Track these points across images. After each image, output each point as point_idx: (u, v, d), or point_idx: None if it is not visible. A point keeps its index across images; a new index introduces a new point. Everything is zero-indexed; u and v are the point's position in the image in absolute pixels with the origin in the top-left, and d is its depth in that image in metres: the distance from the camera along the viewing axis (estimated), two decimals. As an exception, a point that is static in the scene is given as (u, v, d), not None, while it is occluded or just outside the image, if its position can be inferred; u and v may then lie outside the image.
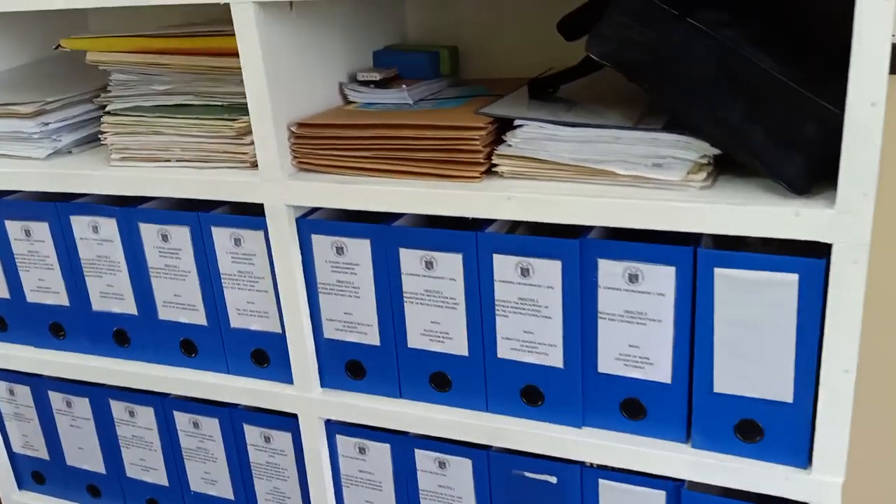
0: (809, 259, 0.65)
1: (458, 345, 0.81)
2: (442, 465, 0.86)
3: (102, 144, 0.93)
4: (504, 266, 0.76)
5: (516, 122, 0.74)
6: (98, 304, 0.98)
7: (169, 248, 0.91)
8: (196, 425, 0.99)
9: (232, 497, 1.01)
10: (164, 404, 1.00)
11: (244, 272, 0.88)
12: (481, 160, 0.75)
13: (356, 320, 0.85)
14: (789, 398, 0.69)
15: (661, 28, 0.63)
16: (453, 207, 0.74)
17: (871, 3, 0.56)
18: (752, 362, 0.69)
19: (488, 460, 0.83)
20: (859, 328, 0.64)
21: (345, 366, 0.87)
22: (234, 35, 0.82)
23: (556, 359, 0.76)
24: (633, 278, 0.71)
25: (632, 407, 0.75)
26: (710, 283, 0.68)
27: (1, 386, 1.10)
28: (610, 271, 0.71)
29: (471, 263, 0.77)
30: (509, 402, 0.81)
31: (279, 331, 0.89)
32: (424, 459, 0.87)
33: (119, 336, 0.98)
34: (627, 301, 0.72)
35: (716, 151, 0.69)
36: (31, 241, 0.98)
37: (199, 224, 0.88)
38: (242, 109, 0.84)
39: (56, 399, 1.07)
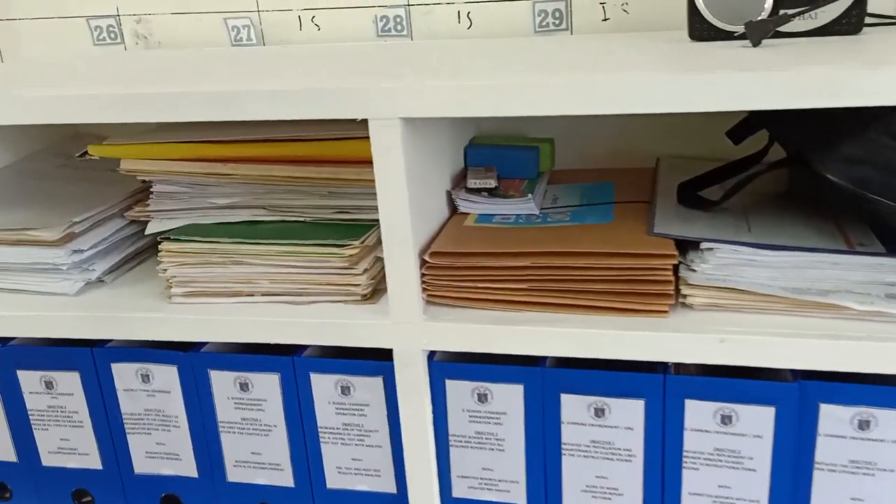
0: None
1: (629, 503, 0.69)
2: None
3: (134, 269, 0.76)
4: (697, 413, 0.64)
5: (703, 245, 0.64)
6: (142, 466, 0.79)
7: (250, 398, 0.74)
8: None
9: None
10: (228, 580, 0.82)
11: (352, 424, 0.73)
12: (670, 291, 0.64)
13: (497, 477, 0.71)
14: None
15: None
16: (644, 350, 0.63)
17: None
18: None
19: None
20: None
21: (477, 528, 0.73)
22: (332, 141, 0.69)
23: (755, 515, 0.66)
24: (863, 424, 0.61)
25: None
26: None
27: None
28: (837, 416, 0.62)
29: (654, 411, 0.65)
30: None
31: (393, 490, 0.74)
32: None
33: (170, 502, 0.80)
34: (855, 450, 0.62)
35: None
36: (54, 395, 0.78)
37: (294, 370, 0.72)
38: (343, 229, 0.70)
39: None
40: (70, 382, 0.77)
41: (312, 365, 0.72)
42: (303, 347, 0.74)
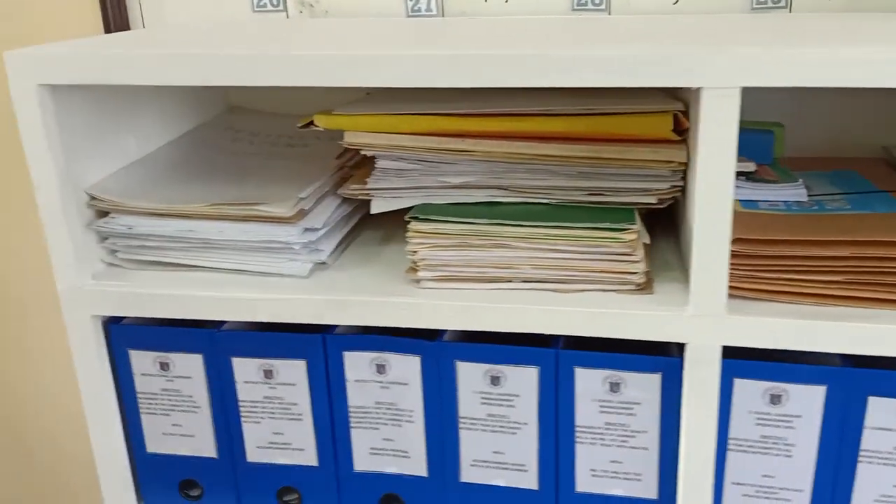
0: None
1: (929, 513, 0.63)
2: None
3: (347, 250, 0.71)
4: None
5: None
6: (364, 463, 0.73)
7: (500, 393, 0.68)
8: None
9: None
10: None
11: (616, 424, 0.67)
12: None
13: (779, 484, 0.66)
14: None
15: None
16: None
17: None
18: None
19: None
20: None
21: (740, 537, 0.68)
22: (596, 116, 0.64)
23: None
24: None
25: None
26: None
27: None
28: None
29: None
30: None
31: (654, 497, 0.68)
32: None
33: (392, 502, 0.74)
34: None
35: None
36: (272, 385, 0.72)
37: (557, 364, 0.66)
38: (597, 213, 0.65)
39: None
40: (293, 372, 0.71)
41: (578, 359, 0.66)
42: (556, 338, 0.68)
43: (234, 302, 0.68)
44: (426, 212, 0.68)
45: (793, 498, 0.66)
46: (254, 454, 0.75)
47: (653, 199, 0.68)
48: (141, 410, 0.76)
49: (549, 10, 0.92)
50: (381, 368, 0.70)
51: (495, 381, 0.68)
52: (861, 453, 0.63)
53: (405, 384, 0.70)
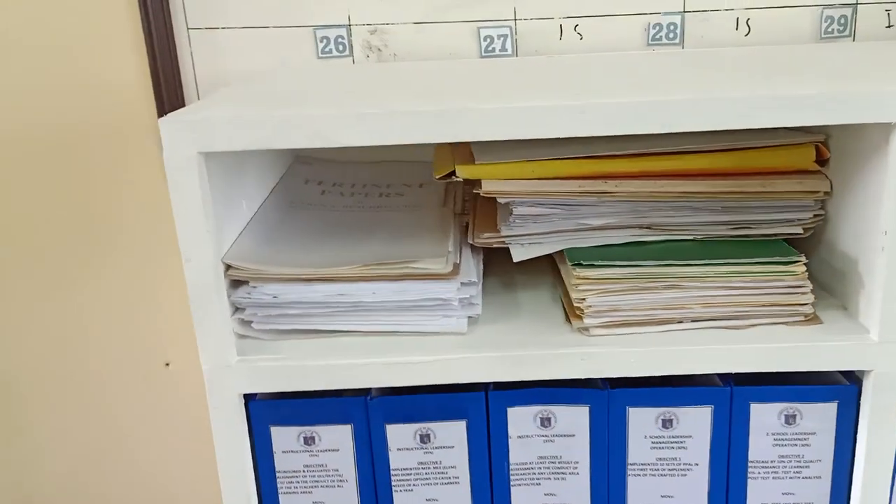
0: None
1: None
2: None
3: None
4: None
5: None
6: (524, 524, 0.71)
7: (672, 436, 0.67)
8: None
9: None
10: None
11: (790, 456, 0.67)
12: None
13: (949, 499, 0.67)
14: None
15: None
16: None
17: None
18: None
19: None
20: None
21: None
22: (741, 151, 0.65)
23: None
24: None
25: None
26: None
27: None
28: None
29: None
30: None
31: (825, 524, 0.69)
32: None
33: (550, 560, 0.71)
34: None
35: None
36: (429, 450, 0.69)
37: (731, 401, 0.66)
38: (744, 246, 0.66)
39: None
40: (453, 433, 0.68)
41: (753, 394, 0.66)
42: (724, 377, 0.68)
43: (395, 366, 0.65)
44: (580, 257, 0.67)
45: (963, 511, 0.67)
46: (404, 526, 0.71)
47: (798, 229, 0.69)
48: (280, 490, 0.70)
49: (625, 46, 0.93)
50: (545, 422, 0.68)
51: (667, 424, 0.67)
52: None
53: (572, 436, 0.68)
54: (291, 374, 0.65)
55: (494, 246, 0.72)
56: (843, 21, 0.91)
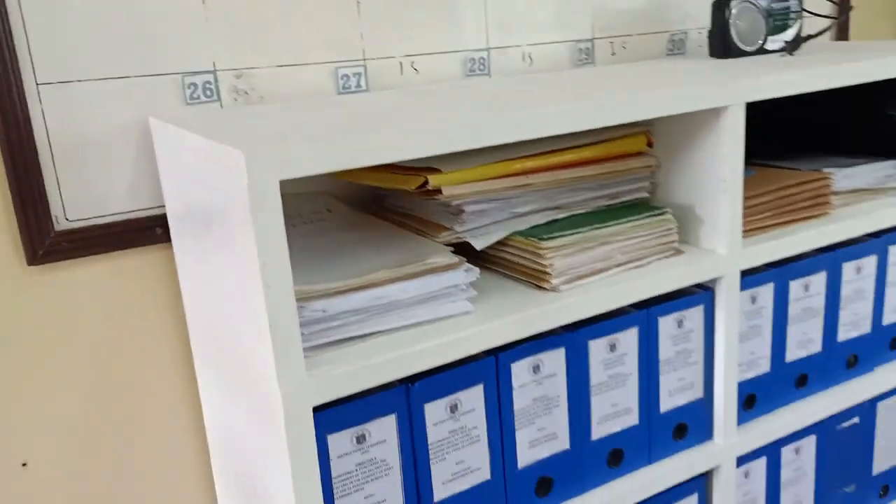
0: None
1: (822, 343, 1.06)
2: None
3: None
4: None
5: (829, 170, 1.06)
6: (526, 458, 0.86)
7: (616, 356, 0.89)
8: (612, 541, 0.95)
9: None
10: (581, 539, 0.93)
11: (682, 352, 0.94)
12: (833, 199, 1.04)
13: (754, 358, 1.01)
14: None
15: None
16: None
17: None
18: None
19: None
20: None
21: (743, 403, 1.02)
22: (615, 140, 0.91)
23: None
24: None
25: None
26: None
27: None
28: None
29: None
30: None
31: (703, 396, 0.97)
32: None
33: (544, 485, 0.88)
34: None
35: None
36: (457, 417, 0.80)
37: (648, 321, 0.91)
38: (645, 205, 0.93)
39: None
40: (473, 398, 0.80)
41: (659, 311, 0.91)
42: (638, 305, 0.92)
43: (428, 351, 0.75)
44: (541, 233, 0.85)
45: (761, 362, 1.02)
46: (440, 492, 0.81)
47: (645, 193, 0.97)
48: (336, 495, 0.75)
49: (448, 77, 1.13)
50: (536, 369, 0.84)
51: (613, 348, 0.89)
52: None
53: (554, 375, 0.86)
54: (353, 381, 0.71)
55: (454, 242, 0.86)
56: (588, 51, 1.24)
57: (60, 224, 0.91)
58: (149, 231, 0.96)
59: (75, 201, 0.92)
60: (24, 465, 0.97)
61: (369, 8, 1.05)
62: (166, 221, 0.96)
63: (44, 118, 0.89)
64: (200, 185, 0.77)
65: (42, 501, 0.98)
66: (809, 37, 1.18)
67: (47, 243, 0.90)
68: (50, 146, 0.90)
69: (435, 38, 1.11)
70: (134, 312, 0.98)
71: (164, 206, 0.96)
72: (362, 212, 0.99)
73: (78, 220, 0.92)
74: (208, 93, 0.98)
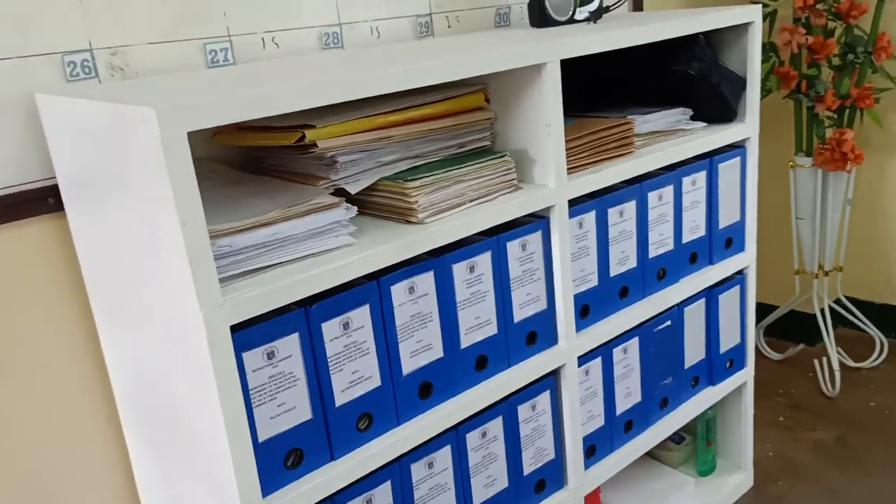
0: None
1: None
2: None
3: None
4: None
5: (632, 117, 1.29)
6: (409, 366, 1.02)
7: (474, 276, 1.07)
8: (484, 434, 1.13)
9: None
10: (458, 434, 1.10)
11: (528, 271, 1.13)
12: (636, 140, 1.27)
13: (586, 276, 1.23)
14: (746, 215, 1.48)
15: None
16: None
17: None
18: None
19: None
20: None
21: (578, 311, 1.23)
22: (458, 97, 1.09)
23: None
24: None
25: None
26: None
27: None
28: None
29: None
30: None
31: (547, 307, 1.17)
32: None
33: (425, 389, 1.04)
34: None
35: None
36: (349, 334, 0.95)
37: (498, 245, 1.09)
38: (488, 151, 1.12)
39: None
40: (362, 316, 0.95)
41: (507, 237, 1.10)
42: (490, 232, 1.10)
43: (323, 275, 0.89)
44: (407, 175, 1.01)
45: (592, 279, 1.24)
46: (339, 398, 0.95)
47: (487, 142, 1.15)
48: (253, 404, 0.87)
49: (307, 50, 1.26)
50: (411, 290, 1.00)
51: (472, 269, 1.07)
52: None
53: (426, 294, 1.02)
54: (261, 302, 0.84)
55: (330, 190, 1.00)
56: (427, 24, 1.40)
57: (-48, 199, 0.96)
58: (40, 201, 1.03)
59: (-35, 176, 0.97)
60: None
61: (231, -11, 1.16)
62: (58, 191, 1.03)
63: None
64: (101, 149, 0.86)
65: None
66: (608, 8, 1.41)
67: (-60, 218, 0.95)
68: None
69: (293, 14, 1.23)
70: (33, 275, 1.04)
71: (55, 178, 1.03)
72: (244, 172, 1.10)
73: (-31, 194, 0.97)
74: (87, 70, 1.05)
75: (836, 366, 2.00)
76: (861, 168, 2.13)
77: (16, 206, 1.01)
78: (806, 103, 1.89)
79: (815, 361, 2.12)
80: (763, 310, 2.27)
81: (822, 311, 2.06)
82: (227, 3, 1.16)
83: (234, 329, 0.84)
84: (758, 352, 2.22)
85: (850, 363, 2.11)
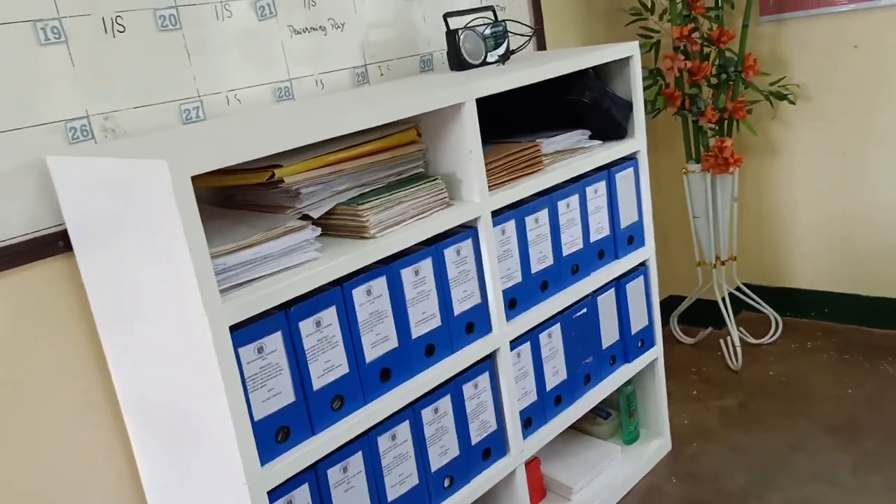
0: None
1: (552, 257, 1.56)
2: (554, 332, 1.58)
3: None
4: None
5: (539, 141, 1.56)
6: (371, 354, 1.25)
7: (419, 278, 1.31)
8: (436, 410, 1.37)
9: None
10: (414, 410, 1.33)
11: (463, 272, 1.38)
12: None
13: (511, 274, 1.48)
14: (643, 216, 1.76)
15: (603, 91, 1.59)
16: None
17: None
18: (633, 206, 1.74)
19: (571, 313, 1.61)
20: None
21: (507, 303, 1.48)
22: (394, 134, 1.34)
23: (585, 241, 1.63)
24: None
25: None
26: (618, 180, 1.69)
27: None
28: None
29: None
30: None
31: (481, 301, 1.42)
32: (548, 334, 1.57)
33: (385, 374, 1.27)
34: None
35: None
36: (321, 330, 1.17)
37: (437, 252, 1.33)
38: (423, 176, 1.37)
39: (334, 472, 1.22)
40: (330, 315, 1.18)
41: (444, 245, 1.34)
42: (430, 241, 1.34)
43: (299, 282, 1.12)
44: (360, 200, 1.25)
45: (517, 272, 1.49)
46: (316, 383, 1.18)
47: (421, 169, 1.40)
48: (249, 390, 1.09)
49: (263, 103, 1.49)
50: (369, 292, 1.24)
51: (417, 273, 1.31)
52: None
53: (381, 296, 1.26)
54: (251, 307, 1.06)
55: (300, 213, 1.23)
56: (363, 74, 1.65)
57: (-19, 246, 1.16)
58: (51, 245, 1.23)
59: (-9, 227, 1.17)
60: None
61: (197, 56, 1.38)
62: (67, 235, 1.23)
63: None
64: (110, 196, 1.08)
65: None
66: (515, 51, 1.69)
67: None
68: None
69: (250, 74, 1.46)
70: (48, 309, 1.24)
71: (64, 224, 1.23)
72: (220, 207, 1.32)
73: (-6, 241, 1.17)
74: (85, 133, 1.26)
75: (738, 343, 2.30)
76: (743, 170, 2.46)
77: (31, 250, 1.21)
78: (690, 118, 2.20)
79: (721, 341, 2.42)
80: (674, 301, 2.57)
81: (724, 298, 2.37)
82: (196, 69, 1.38)
83: (232, 329, 1.06)
84: (673, 338, 2.52)
85: (752, 340, 2.42)
